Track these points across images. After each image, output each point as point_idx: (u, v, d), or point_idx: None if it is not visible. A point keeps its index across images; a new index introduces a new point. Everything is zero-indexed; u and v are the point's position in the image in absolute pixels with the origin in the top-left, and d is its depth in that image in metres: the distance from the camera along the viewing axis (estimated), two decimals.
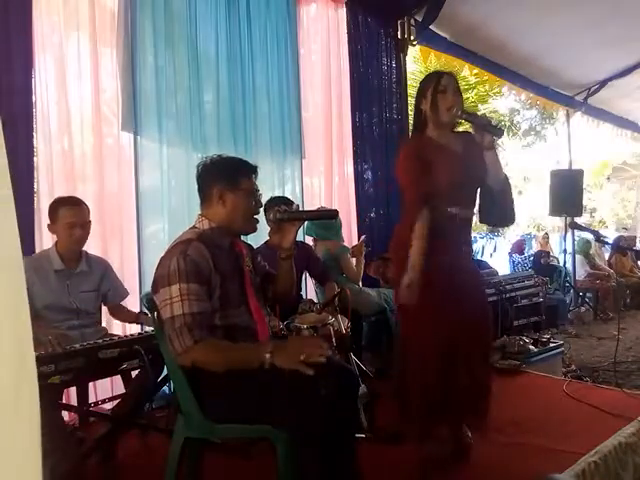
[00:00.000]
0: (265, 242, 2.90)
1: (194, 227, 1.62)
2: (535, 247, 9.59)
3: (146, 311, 2.42)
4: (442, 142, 2.00)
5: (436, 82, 1.96)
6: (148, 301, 1.55)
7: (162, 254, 1.55)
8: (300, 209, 1.87)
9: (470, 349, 1.99)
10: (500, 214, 2.14)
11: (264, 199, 3.25)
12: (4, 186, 0.46)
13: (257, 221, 1.67)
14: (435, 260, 1.92)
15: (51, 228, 2.21)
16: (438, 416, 1.97)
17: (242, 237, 1.81)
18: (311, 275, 3.15)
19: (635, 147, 14.17)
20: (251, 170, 1.64)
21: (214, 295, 1.50)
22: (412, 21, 4.42)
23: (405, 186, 2.03)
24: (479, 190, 2.10)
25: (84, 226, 2.21)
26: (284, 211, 1.69)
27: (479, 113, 2.02)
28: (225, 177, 1.59)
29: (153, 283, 1.52)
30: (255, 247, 2.04)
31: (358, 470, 1.43)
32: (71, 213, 2.17)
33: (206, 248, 1.50)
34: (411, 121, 2.22)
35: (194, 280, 1.44)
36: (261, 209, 1.70)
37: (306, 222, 3.27)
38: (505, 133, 13.97)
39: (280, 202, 2.84)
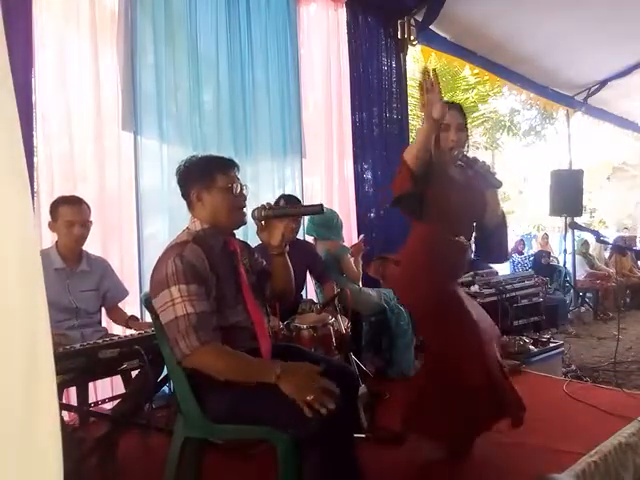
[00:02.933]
0: None
1: (187, 229, 1.61)
2: (535, 247, 9.60)
3: (136, 315, 2.44)
4: (445, 169, 1.99)
5: None
6: (147, 300, 1.54)
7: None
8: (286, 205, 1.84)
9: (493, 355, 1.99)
10: (493, 251, 2.14)
11: (264, 199, 3.30)
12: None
13: (244, 214, 1.64)
14: (443, 288, 1.93)
15: (51, 226, 2.23)
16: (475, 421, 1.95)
17: (242, 236, 1.79)
18: (311, 273, 3.15)
19: (635, 147, 14.19)
20: (226, 165, 1.61)
21: (211, 296, 1.50)
22: (412, 21, 4.42)
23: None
24: (475, 225, 2.10)
25: (84, 225, 2.22)
26: (269, 208, 1.66)
27: (480, 160, 1.96)
28: (199, 177, 1.58)
29: (151, 287, 1.51)
30: (254, 245, 2.03)
31: (359, 470, 1.43)
32: (71, 211, 2.18)
33: (201, 249, 1.50)
34: (411, 121, 2.20)
35: (193, 281, 1.43)
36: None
37: (307, 222, 3.30)
38: (505, 133, 14.02)
39: (287, 201, 2.89)
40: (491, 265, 5.53)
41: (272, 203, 1.75)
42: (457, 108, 1.98)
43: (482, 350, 1.91)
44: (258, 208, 1.66)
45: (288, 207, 2.28)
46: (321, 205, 1.72)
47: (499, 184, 1.92)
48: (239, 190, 1.61)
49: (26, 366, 0.45)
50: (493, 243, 2.11)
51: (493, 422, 1.99)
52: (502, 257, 2.25)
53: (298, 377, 1.33)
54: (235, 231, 1.71)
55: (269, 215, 1.65)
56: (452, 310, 1.95)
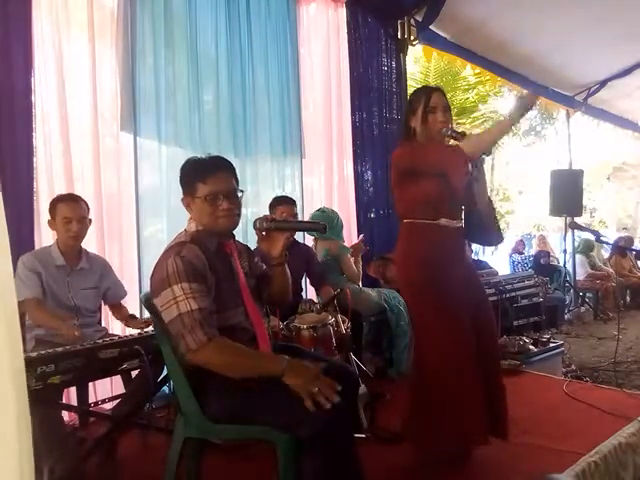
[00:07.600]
0: None
1: (185, 230, 1.61)
2: (535, 247, 9.58)
3: (135, 314, 2.43)
4: None
5: (426, 101, 1.98)
6: (147, 300, 1.54)
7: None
8: (290, 218, 1.83)
9: (487, 351, 2.00)
10: (488, 232, 2.16)
11: (264, 199, 3.30)
12: None
13: (233, 219, 1.58)
14: (441, 270, 1.95)
15: (51, 224, 2.25)
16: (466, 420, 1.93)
17: (242, 238, 1.78)
18: (308, 277, 3.14)
19: (635, 147, 14.18)
20: (208, 172, 1.54)
21: (210, 295, 1.49)
22: (412, 21, 4.42)
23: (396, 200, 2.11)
24: (465, 210, 2.12)
25: (81, 221, 2.23)
26: (271, 220, 1.65)
27: (467, 132, 2.04)
28: (184, 185, 1.59)
29: (151, 287, 1.51)
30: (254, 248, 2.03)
31: (360, 470, 1.43)
32: (68, 208, 2.20)
33: (199, 249, 1.50)
34: None
35: (194, 279, 1.44)
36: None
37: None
38: None
39: (283, 201, 2.89)
40: (491, 265, 5.55)
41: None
42: (441, 91, 2.05)
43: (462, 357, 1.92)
44: (260, 219, 1.65)
45: (291, 221, 2.31)
46: (325, 225, 1.74)
47: (488, 152, 1.96)
48: (222, 199, 1.54)
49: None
50: (487, 224, 2.12)
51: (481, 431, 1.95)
52: (499, 237, 2.25)
53: (304, 371, 1.37)
54: (235, 232, 1.70)
55: (270, 227, 1.65)
56: (441, 302, 1.96)
